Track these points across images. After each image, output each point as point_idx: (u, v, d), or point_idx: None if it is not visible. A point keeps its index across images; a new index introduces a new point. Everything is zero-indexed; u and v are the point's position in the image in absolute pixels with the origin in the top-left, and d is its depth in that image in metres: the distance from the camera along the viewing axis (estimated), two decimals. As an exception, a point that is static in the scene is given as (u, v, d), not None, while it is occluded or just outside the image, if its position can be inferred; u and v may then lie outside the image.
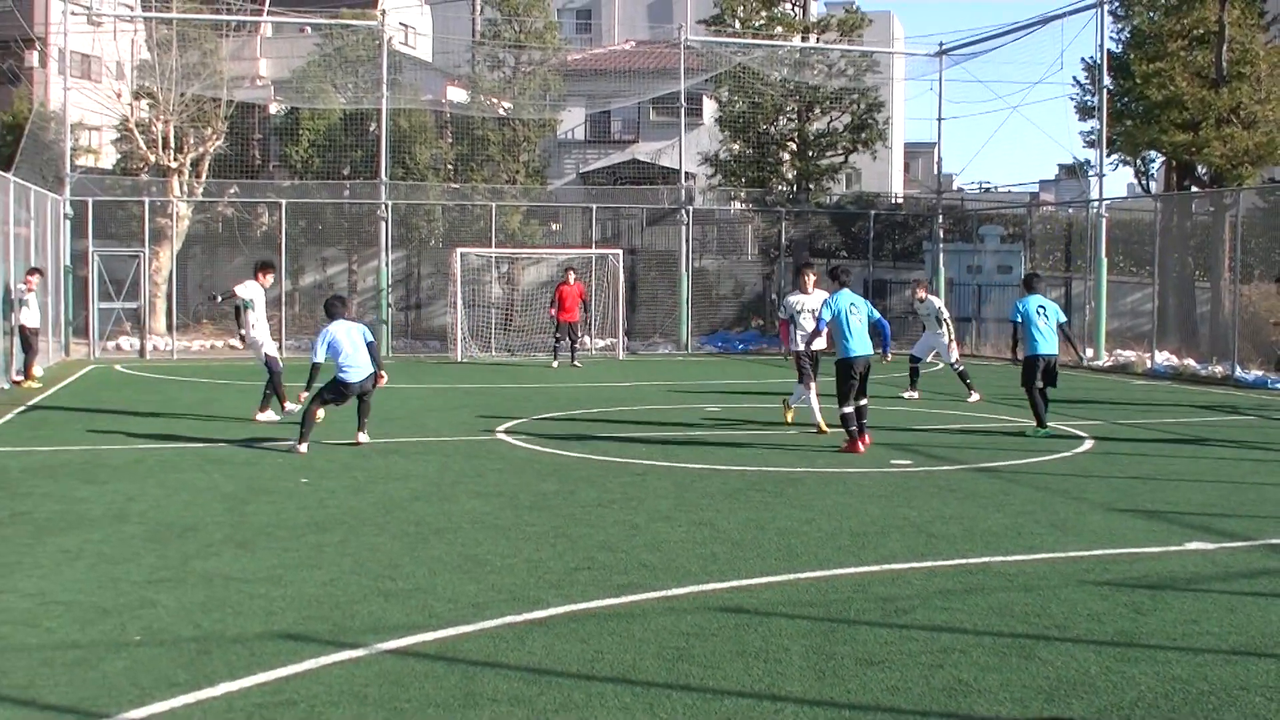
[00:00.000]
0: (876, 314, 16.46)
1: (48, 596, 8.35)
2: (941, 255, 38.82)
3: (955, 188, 49.54)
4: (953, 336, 23.37)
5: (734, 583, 8.83)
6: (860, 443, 15.72)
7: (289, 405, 18.46)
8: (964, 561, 9.59)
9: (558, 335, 30.22)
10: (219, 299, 21.96)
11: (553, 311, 30.23)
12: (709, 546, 9.99)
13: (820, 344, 17.25)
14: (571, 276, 30.44)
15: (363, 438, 15.97)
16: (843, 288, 16.40)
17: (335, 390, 15.73)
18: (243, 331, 19.18)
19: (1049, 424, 17.80)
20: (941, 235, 39.54)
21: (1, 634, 7.52)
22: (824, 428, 17.23)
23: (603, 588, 8.62)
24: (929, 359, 24.58)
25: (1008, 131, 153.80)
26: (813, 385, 17.53)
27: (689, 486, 12.91)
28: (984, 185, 56.76)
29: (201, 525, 10.71)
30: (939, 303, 24.35)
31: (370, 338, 15.93)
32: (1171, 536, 10.59)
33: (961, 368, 23.27)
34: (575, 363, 30.10)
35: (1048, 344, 17.87)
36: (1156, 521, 11.28)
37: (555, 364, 30.12)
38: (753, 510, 11.59)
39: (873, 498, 12.29)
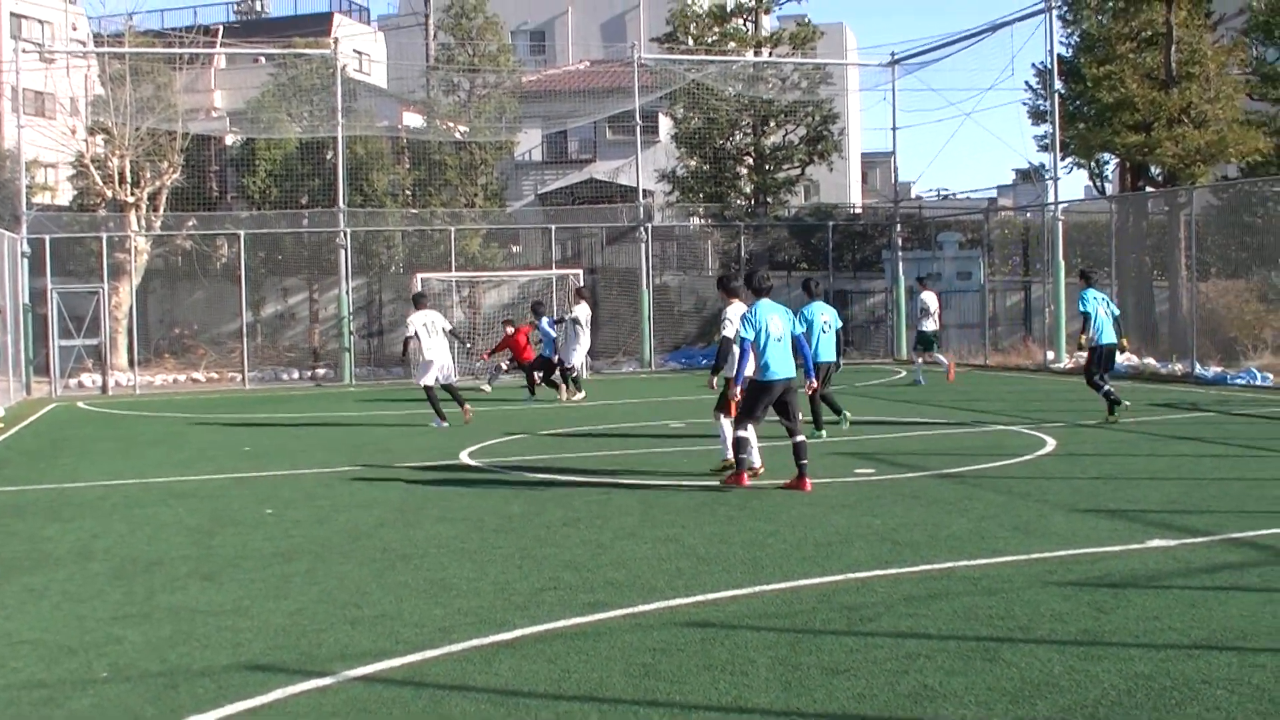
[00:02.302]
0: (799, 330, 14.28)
1: (13, 636, 8.32)
2: (901, 263, 39.00)
3: (913, 196, 49.76)
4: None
5: (700, 597, 8.86)
6: (744, 477, 13.79)
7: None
8: (928, 567, 9.64)
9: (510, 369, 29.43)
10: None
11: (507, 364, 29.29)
12: (675, 562, 10.03)
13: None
14: (509, 329, 29.24)
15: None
16: (760, 298, 14.13)
17: None
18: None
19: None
20: (900, 243, 39.75)
21: (-33, 676, 7.50)
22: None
23: (569, 607, 8.64)
24: None
25: (963, 138, 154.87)
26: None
27: (654, 503, 12.94)
28: (942, 192, 57.01)
29: (167, 559, 10.68)
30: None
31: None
32: (1133, 535, 10.67)
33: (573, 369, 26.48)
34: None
35: (1108, 334, 19.67)
36: (1118, 520, 11.37)
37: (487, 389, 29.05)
38: (718, 524, 11.62)
39: (837, 507, 12.34)
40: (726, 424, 14.71)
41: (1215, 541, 10.37)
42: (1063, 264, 32.73)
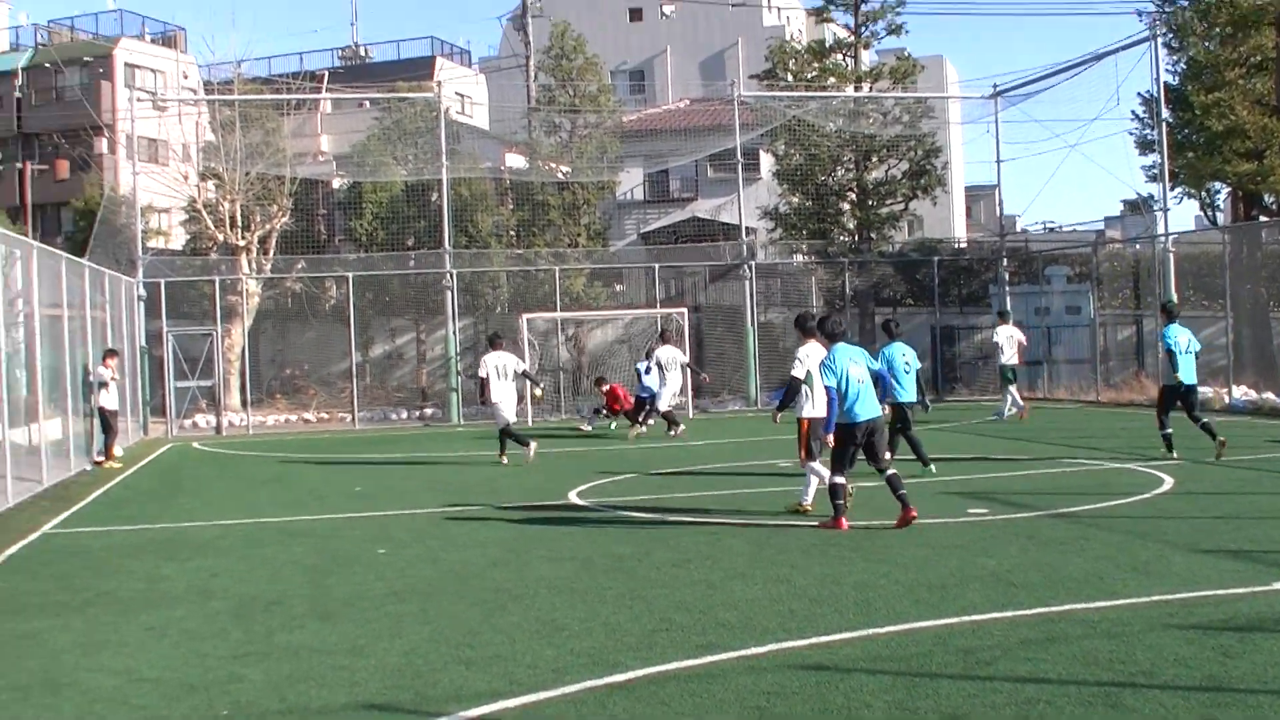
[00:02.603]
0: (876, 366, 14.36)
1: (135, 674, 8.46)
2: (1008, 299, 38.61)
3: (1019, 229, 49.31)
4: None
5: (813, 639, 8.80)
6: (842, 521, 13.66)
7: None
8: (1045, 610, 9.50)
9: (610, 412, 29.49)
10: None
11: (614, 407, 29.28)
12: (787, 603, 9.97)
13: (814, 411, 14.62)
14: (604, 386, 29.78)
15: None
16: (835, 341, 14.17)
17: None
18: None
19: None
20: (1007, 278, 39.34)
21: (92, 712, 7.63)
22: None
23: (681, 649, 8.62)
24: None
25: (1069, 170, 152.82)
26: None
27: (764, 543, 12.89)
28: (1048, 225, 56.48)
29: (284, 598, 10.81)
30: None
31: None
32: (1258, 576, 10.45)
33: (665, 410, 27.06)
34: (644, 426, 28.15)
35: (1189, 372, 19.33)
36: (1241, 561, 11.14)
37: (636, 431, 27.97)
38: (829, 565, 11.55)
39: (950, 548, 12.22)
40: (817, 467, 14.71)
41: (1343, 582, 10.13)
42: (1175, 296, 32.19)
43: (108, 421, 24.58)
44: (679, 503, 16.27)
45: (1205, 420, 19.59)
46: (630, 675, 7.99)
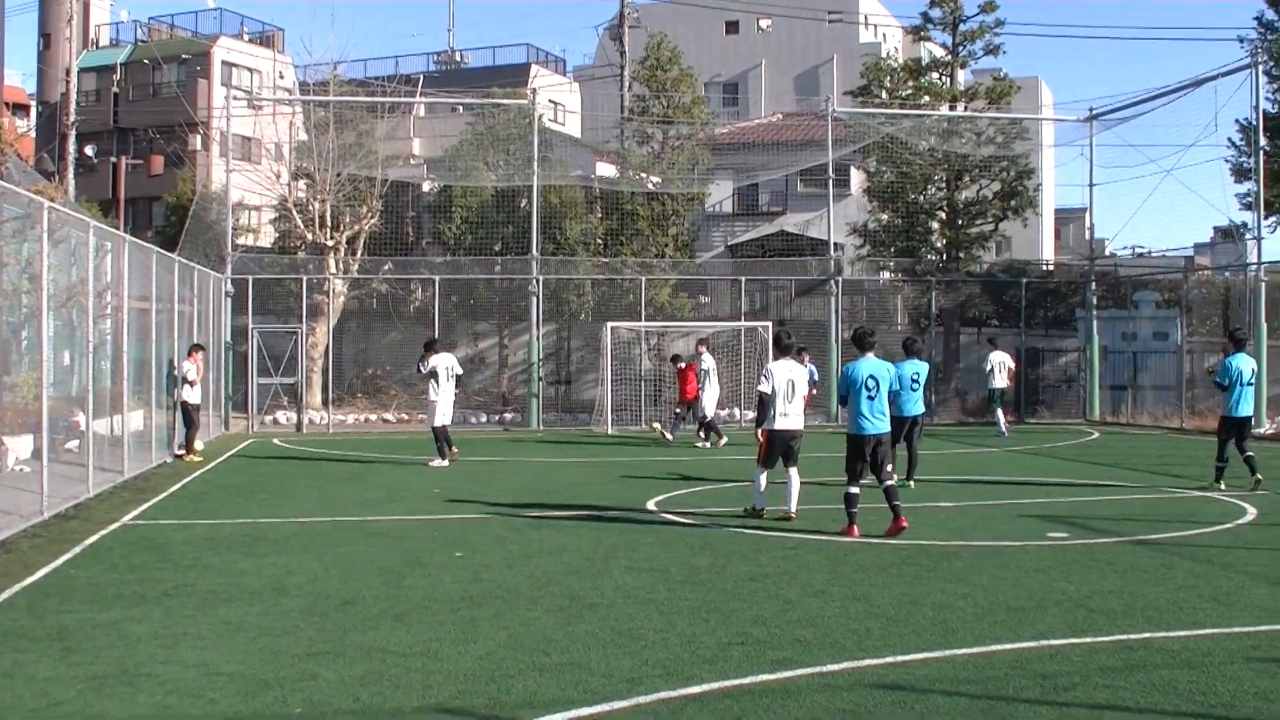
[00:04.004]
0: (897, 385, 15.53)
1: (211, 668, 8.52)
2: (1095, 322, 38.20)
3: (1108, 253, 48.70)
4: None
5: (889, 659, 8.73)
6: (854, 529, 14.42)
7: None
8: (1124, 637, 9.38)
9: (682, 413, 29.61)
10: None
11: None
12: (864, 621, 9.90)
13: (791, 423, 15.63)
14: (681, 364, 29.78)
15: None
16: (864, 354, 14.91)
17: None
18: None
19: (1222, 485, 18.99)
20: (1095, 302, 38.92)
21: (167, 704, 7.70)
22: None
23: (757, 663, 8.57)
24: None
25: (1161, 195, 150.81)
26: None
27: (842, 560, 12.81)
28: (1137, 250, 55.79)
29: (359, 598, 10.86)
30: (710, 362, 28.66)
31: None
32: (1342, 611, 10.28)
33: (708, 418, 27.67)
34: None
35: (1245, 405, 19.11)
36: (1326, 596, 10.95)
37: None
38: (907, 584, 11.46)
39: (1029, 571, 12.08)
40: (762, 480, 15.94)
41: None
42: (1265, 326, 31.71)
43: (190, 415, 24.83)
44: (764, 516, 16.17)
45: (1250, 454, 19.21)
46: (705, 688, 7.96)
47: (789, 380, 15.57)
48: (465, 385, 39.98)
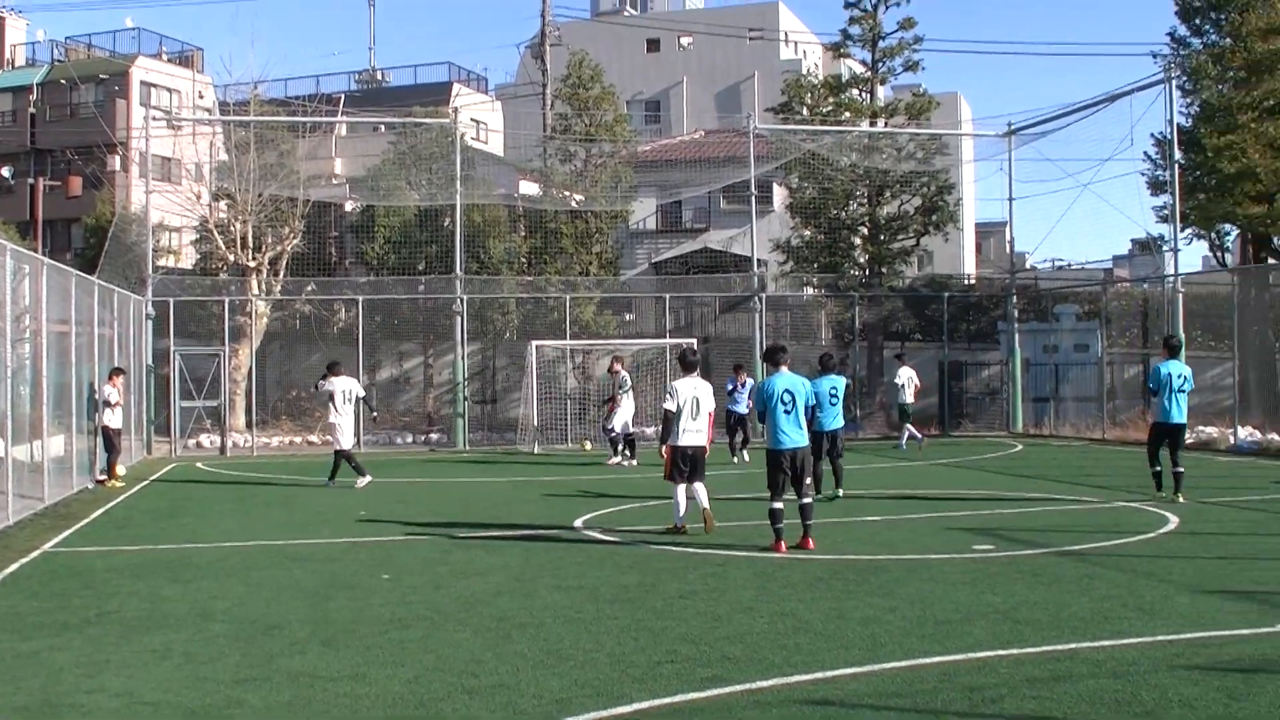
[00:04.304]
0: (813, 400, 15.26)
1: (136, 696, 8.40)
2: (1017, 335, 38.58)
3: (1028, 266, 49.23)
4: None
5: (818, 674, 8.75)
6: (781, 545, 14.49)
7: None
8: (1051, 648, 9.45)
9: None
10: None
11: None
12: (792, 637, 9.92)
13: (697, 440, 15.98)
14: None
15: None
16: (778, 369, 14.97)
17: None
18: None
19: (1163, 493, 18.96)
20: (1016, 315, 39.32)
21: (92, 737, 7.59)
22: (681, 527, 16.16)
23: (687, 681, 8.57)
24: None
25: (1079, 208, 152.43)
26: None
27: (770, 576, 12.84)
28: (1057, 262, 56.41)
29: (285, 623, 10.76)
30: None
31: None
32: (1263, 617, 10.41)
33: (615, 434, 28.01)
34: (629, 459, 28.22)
35: (1176, 413, 18.92)
36: (1246, 602, 11.09)
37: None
38: (835, 599, 11.51)
39: (956, 584, 12.16)
40: (680, 492, 16.06)
41: (1350, 627, 10.07)
42: (1183, 336, 32.11)
43: (111, 440, 24.53)
44: (687, 534, 16.18)
45: (1180, 470, 18.91)
46: (635, 708, 7.94)
47: (693, 398, 15.91)
48: (390, 406, 39.91)
